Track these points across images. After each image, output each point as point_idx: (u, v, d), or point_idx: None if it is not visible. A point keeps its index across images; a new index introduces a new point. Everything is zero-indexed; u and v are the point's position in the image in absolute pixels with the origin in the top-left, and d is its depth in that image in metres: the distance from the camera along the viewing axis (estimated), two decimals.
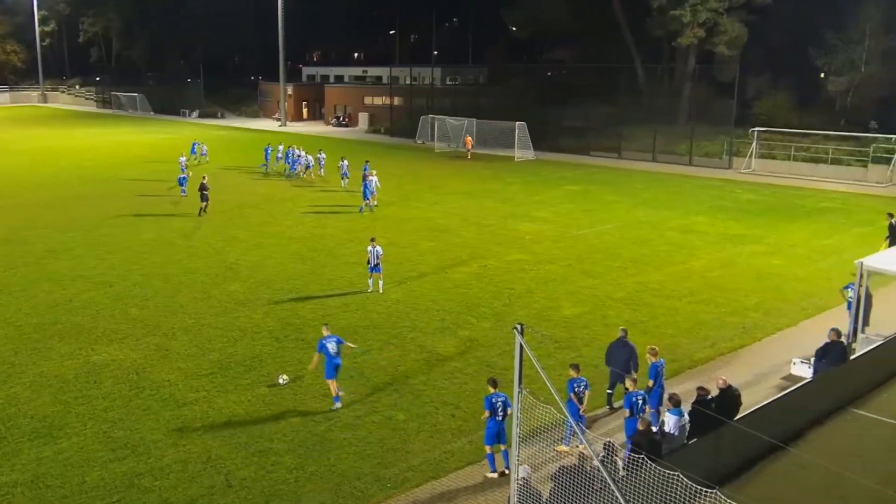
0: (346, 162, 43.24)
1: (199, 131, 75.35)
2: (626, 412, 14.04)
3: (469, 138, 58.03)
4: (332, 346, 16.14)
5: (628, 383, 14.38)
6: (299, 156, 47.40)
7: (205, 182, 35.17)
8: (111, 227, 33.10)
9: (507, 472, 13.53)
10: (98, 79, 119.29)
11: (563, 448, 14.36)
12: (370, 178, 36.95)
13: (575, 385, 14.29)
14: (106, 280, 25.19)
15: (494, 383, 13.86)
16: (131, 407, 16.22)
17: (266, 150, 49.52)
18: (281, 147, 50.15)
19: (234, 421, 15.59)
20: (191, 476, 13.65)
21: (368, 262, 23.57)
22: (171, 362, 18.57)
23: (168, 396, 16.71)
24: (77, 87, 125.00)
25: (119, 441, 14.82)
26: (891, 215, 27.54)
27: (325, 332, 16.47)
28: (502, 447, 13.71)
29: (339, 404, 16.18)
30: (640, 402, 14.04)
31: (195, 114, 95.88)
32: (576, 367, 14.65)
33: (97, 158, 55.81)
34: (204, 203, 34.84)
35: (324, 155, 46.73)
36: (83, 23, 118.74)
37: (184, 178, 39.80)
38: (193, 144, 54.28)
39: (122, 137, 71.40)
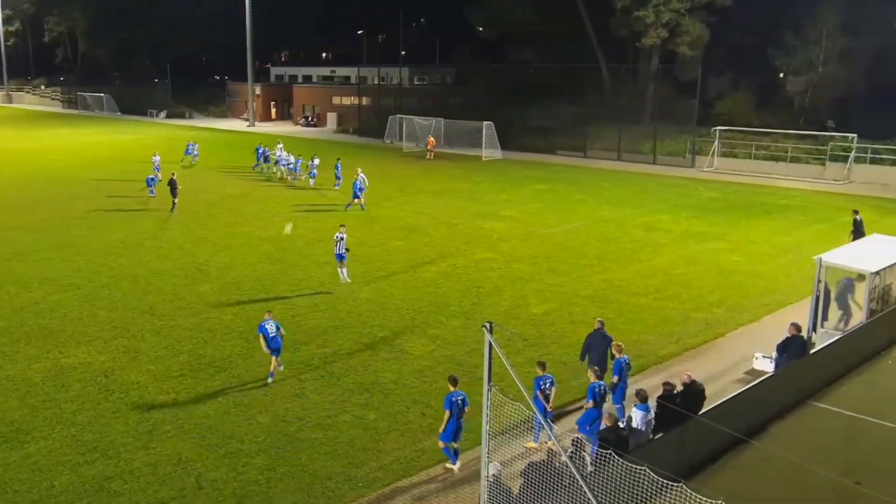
0: (316, 160, 43.86)
1: (167, 132, 74.57)
2: (590, 403, 14.30)
3: (431, 138, 57.94)
4: (270, 327, 17.33)
5: (590, 374, 14.66)
6: (286, 158, 47.24)
7: (174, 179, 35.94)
8: (78, 228, 32.69)
9: (451, 467, 13.90)
10: (62, 79, 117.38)
11: (532, 444, 14.57)
12: (359, 176, 37.06)
13: (541, 382, 14.48)
14: (73, 282, 24.91)
15: (454, 381, 14.04)
16: (100, 410, 16.09)
17: (257, 150, 49.55)
18: (280, 147, 49.66)
19: (204, 422, 15.54)
20: (161, 479, 13.60)
21: (336, 251, 24.04)
22: (140, 364, 18.44)
23: (137, 399, 16.60)
24: (42, 87, 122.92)
25: (88, 444, 14.70)
26: (856, 212, 28.58)
27: (267, 317, 17.63)
28: (454, 444, 13.92)
29: (270, 379, 17.41)
30: (603, 391, 14.35)
31: (163, 114, 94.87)
32: (542, 365, 14.84)
33: (63, 159, 54.93)
34: (174, 200, 35.56)
35: (317, 161, 45.67)
36: (48, 22, 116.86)
37: (152, 178, 39.40)
38: (188, 145, 53.23)
39: (89, 138, 70.31)
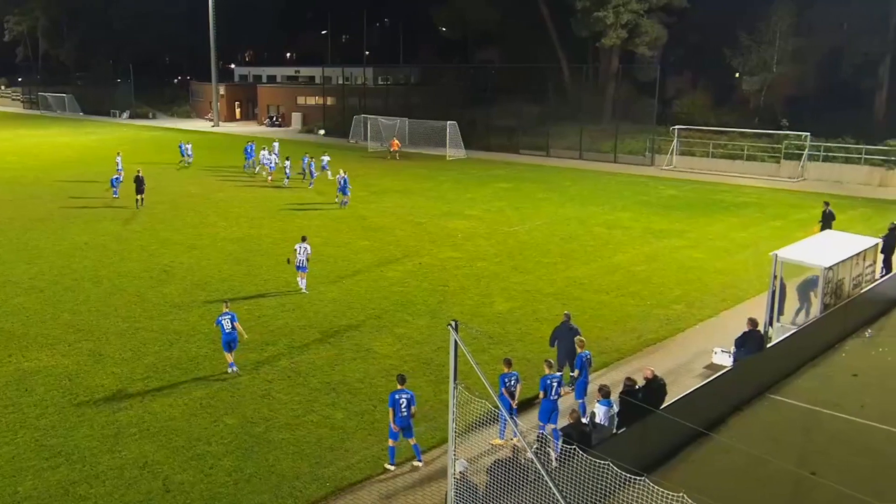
0: (289, 162, 44.07)
1: (131, 132, 73.53)
2: (541, 394, 14.68)
3: (396, 141, 57.60)
4: (226, 323, 17.59)
5: (544, 367, 14.98)
6: (267, 157, 46.74)
7: (140, 175, 36.38)
8: (40, 230, 32.15)
9: (418, 464, 14.11)
10: (20, 79, 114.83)
11: (498, 441, 14.80)
12: (341, 175, 37.73)
13: (507, 380, 14.70)
14: (36, 285, 24.56)
15: (402, 380, 14.25)
16: (65, 414, 15.94)
17: (247, 148, 49.23)
18: (276, 146, 49.08)
19: (170, 425, 15.49)
20: (127, 482, 13.52)
21: (289, 261, 23.90)
22: (104, 367, 18.28)
23: (102, 402, 16.47)
24: (2, 87, 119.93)
25: (52, 449, 14.56)
26: (826, 203, 29.69)
27: (225, 308, 18.01)
28: (410, 441, 14.09)
29: (234, 369, 17.84)
30: (556, 384, 14.71)
31: (126, 114, 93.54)
32: (507, 363, 15.07)
33: (25, 160, 53.72)
34: (139, 196, 35.97)
35: (327, 157, 46.09)
36: (8, 21, 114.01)
37: (116, 178, 38.89)
38: (181, 146, 52.01)
39: (51, 139, 68.90)
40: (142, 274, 25.95)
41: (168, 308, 22.45)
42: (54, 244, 29.83)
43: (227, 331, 17.65)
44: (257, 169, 47.31)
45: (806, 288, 20.18)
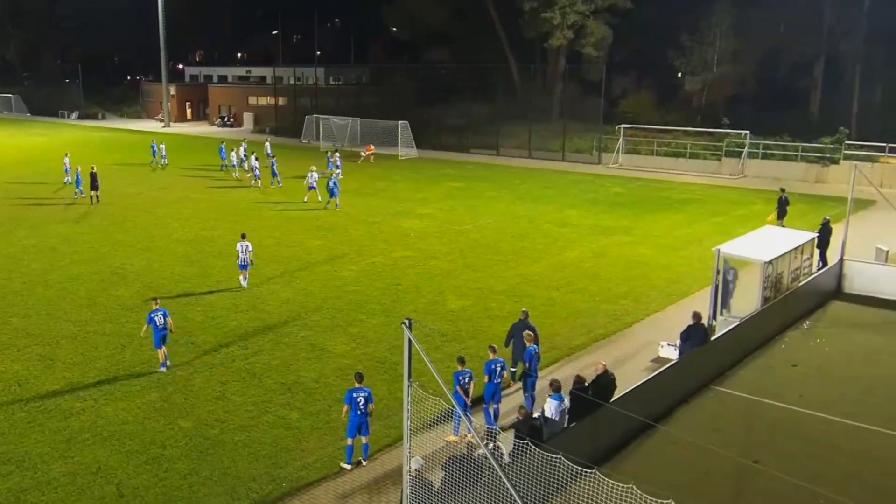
0: (256, 161, 44.05)
1: (80, 133, 71.82)
2: (486, 378, 15.13)
3: (371, 145, 56.30)
4: (159, 319, 17.80)
5: (489, 352, 15.50)
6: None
7: (94, 172, 37.01)
8: None
9: (363, 462, 14.25)
10: None
11: (452, 438, 15.04)
12: (311, 173, 38.08)
13: (461, 377, 14.93)
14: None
15: (360, 378, 14.35)
16: (15, 420, 15.66)
17: (221, 149, 48.79)
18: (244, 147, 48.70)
19: (124, 429, 15.34)
20: (80, 488, 13.38)
21: (238, 262, 23.85)
22: (55, 372, 18.00)
23: (54, 407, 16.22)
24: None
25: (2, 456, 14.31)
26: (782, 190, 31.87)
27: (155, 306, 18.16)
28: (363, 439, 14.24)
29: (163, 369, 17.99)
30: (499, 368, 15.23)
31: (74, 115, 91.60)
32: (461, 360, 15.31)
33: None
34: (94, 192, 36.61)
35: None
36: None
37: (78, 179, 38.38)
38: (153, 146, 50.85)
39: None
40: (93, 276, 25.55)
41: (120, 311, 22.16)
42: (2, 247, 29.14)
43: (159, 327, 17.81)
44: (236, 174, 46.47)
45: (726, 280, 20.87)
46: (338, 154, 47.55)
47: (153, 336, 17.90)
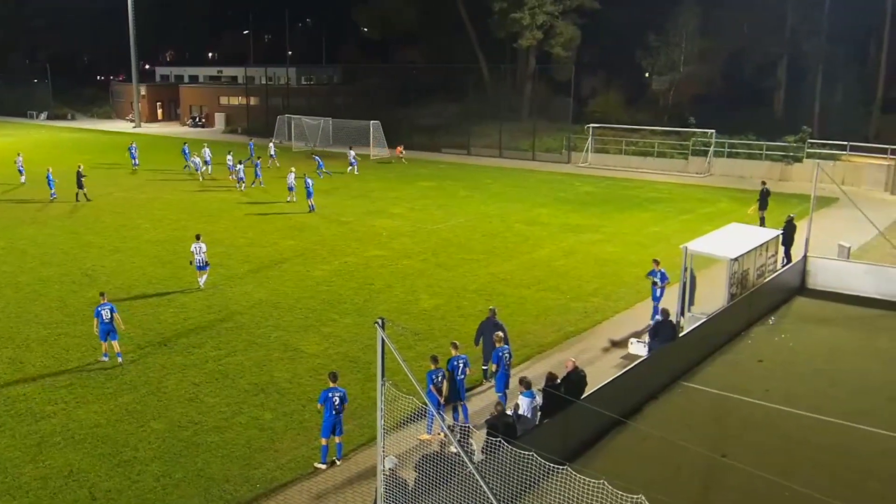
0: (231, 157, 44.41)
1: (49, 134, 70.64)
2: (447, 373, 15.38)
3: (400, 147, 55.05)
4: (105, 313, 18.17)
5: (451, 349, 15.77)
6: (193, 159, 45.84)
7: (80, 170, 37.47)
8: None
9: (337, 462, 14.31)
10: None
11: (426, 436, 15.16)
12: (291, 174, 37.92)
13: (434, 376, 15.05)
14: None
15: (334, 377, 14.41)
16: None
17: (184, 149, 48.23)
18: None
19: (95, 432, 15.23)
20: (52, 492, 13.28)
21: (192, 262, 23.75)
22: (25, 375, 17.80)
23: (24, 411, 16.05)
24: None
25: None
26: (763, 182, 33.22)
27: (102, 300, 18.46)
28: (337, 439, 14.33)
29: (105, 359, 18.44)
30: (462, 365, 15.51)
31: (43, 115, 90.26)
32: (434, 359, 15.45)
33: None
34: (81, 190, 37.00)
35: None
36: None
37: (50, 179, 38.03)
38: (131, 148, 49.73)
39: None
40: (63, 278, 25.27)
41: (91, 313, 21.66)
42: None
43: (105, 321, 18.15)
44: (201, 178, 45.54)
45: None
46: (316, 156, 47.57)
47: (99, 329, 18.29)
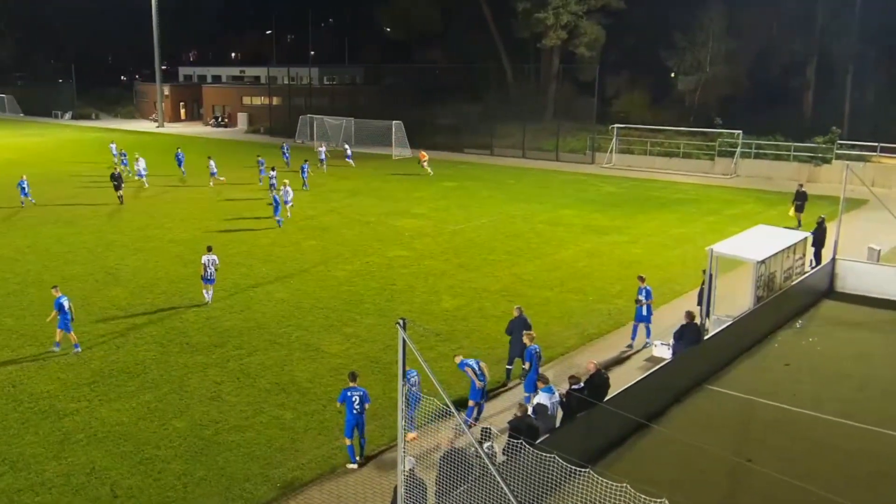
0: (213, 162, 43.53)
1: (74, 133, 71.44)
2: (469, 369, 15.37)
3: (423, 152, 51.48)
4: (66, 303, 18.80)
5: (456, 359, 15.77)
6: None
7: (117, 172, 37.99)
8: None
9: (358, 460, 14.26)
10: None
11: (412, 435, 14.91)
12: (285, 188, 34.52)
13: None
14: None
15: (353, 377, 14.42)
16: (9, 421, 15.63)
17: (178, 155, 47.16)
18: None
19: (118, 430, 15.32)
20: (74, 489, 13.37)
21: (203, 276, 22.55)
22: (49, 372, 17.95)
23: (48, 408, 16.19)
24: None
25: None
26: (800, 185, 33.03)
27: (57, 294, 19.04)
28: (358, 439, 14.30)
29: (56, 349, 18.88)
30: (477, 365, 15.43)
31: (68, 115, 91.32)
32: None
33: None
34: (119, 192, 37.22)
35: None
36: None
37: (22, 182, 37.10)
38: (123, 155, 48.83)
39: None
40: (87, 277, 25.51)
41: (114, 311, 22.13)
42: None
43: (66, 311, 18.71)
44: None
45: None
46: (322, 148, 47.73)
47: (59, 319, 18.78)
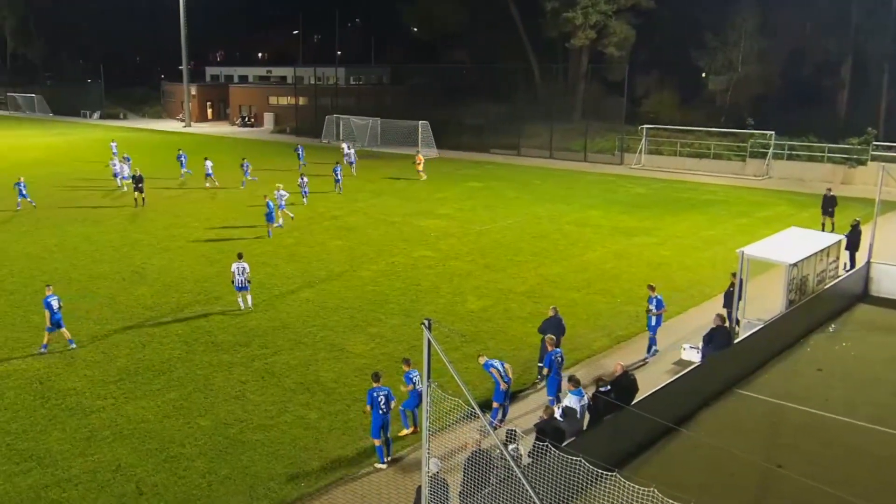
0: (209, 163, 42.72)
1: (102, 133, 72.32)
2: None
3: (420, 155, 49.99)
4: (54, 303, 18.87)
5: (481, 359, 15.71)
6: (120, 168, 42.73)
7: (138, 174, 37.45)
8: (9, 232, 31.78)
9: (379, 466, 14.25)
10: None
11: (405, 431, 15.23)
12: (280, 192, 33.26)
13: (492, 365, 15.17)
14: (6, 287, 24.25)
15: (377, 377, 14.40)
16: (36, 417, 15.79)
17: (179, 157, 46.00)
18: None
19: (143, 427, 15.42)
20: (100, 486, 13.45)
21: (233, 282, 22.06)
22: (76, 370, 18.12)
23: (74, 405, 16.33)
24: None
25: (24, 453, 14.44)
26: (829, 189, 32.13)
27: (49, 292, 19.09)
28: (385, 439, 14.27)
29: (45, 350, 18.94)
30: (501, 367, 15.37)
31: (96, 115, 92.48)
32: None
33: None
34: (139, 195, 36.88)
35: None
36: None
37: (19, 183, 36.36)
38: (180, 156, 46.88)
39: (19, 140, 67.69)
40: (113, 276, 25.73)
41: (141, 310, 22.30)
42: (24, 246, 29.44)
43: (54, 310, 18.80)
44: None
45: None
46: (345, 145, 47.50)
47: (51, 319, 18.78)
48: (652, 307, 19.00)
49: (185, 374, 17.86)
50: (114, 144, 52.56)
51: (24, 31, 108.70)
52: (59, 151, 58.58)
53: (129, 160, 44.97)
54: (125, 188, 41.21)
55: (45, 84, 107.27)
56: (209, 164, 42.48)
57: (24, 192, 36.25)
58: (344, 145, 48.95)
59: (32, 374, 17.85)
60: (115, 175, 42.45)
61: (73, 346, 19.16)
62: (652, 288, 19.37)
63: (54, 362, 18.55)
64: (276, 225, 31.73)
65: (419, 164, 46.91)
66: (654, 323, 19.04)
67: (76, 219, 34.54)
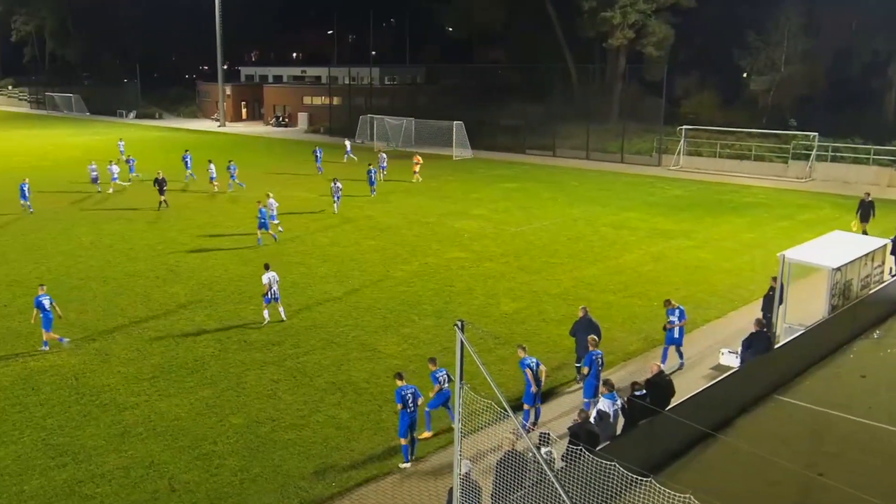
0: (213, 165, 41.76)
1: (137, 132, 73.58)
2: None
3: (417, 155, 49.06)
4: (46, 302, 18.95)
5: (519, 352, 15.67)
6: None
7: (161, 177, 36.70)
8: (46, 230, 32.28)
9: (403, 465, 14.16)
10: (35, 78, 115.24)
11: (427, 434, 15.06)
12: (269, 200, 31.18)
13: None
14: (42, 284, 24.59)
15: (401, 377, 14.42)
16: (71, 413, 16.00)
17: (185, 157, 44.93)
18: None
19: (176, 425, 15.52)
20: (133, 482, 13.56)
21: (266, 294, 20.94)
22: (111, 367, 18.34)
23: (109, 401, 16.51)
24: (10, 87, 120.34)
25: (58, 448, 14.62)
26: (867, 194, 30.76)
27: (41, 291, 19.23)
28: (413, 437, 14.22)
29: (46, 348, 19.11)
30: (536, 368, 15.29)
31: (132, 114, 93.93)
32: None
33: (30, 161, 53.58)
34: (163, 197, 36.49)
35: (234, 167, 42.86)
36: (15, 21, 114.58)
37: (23, 185, 35.68)
38: (131, 161, 46.67)
39: (57, 139, 69.06)
40: (148, 273, 26.03)
41: (175, 307, 22.51)
42: (60, 244, 29.97)
43: (46, 309, 18.92)
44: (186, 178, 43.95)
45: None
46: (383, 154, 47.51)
47: (42, 319, 18.95)
48: (674, 318, 18.23)
49: (217, 373, 17.95)
50: (121, 143, 53.05)
51: (63, 32, 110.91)
52: (96, 150, 59.45)
53: (133, 161, 45.35)
54: (112, 189, 41.07)
55: (82, 84, 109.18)
56: (213, 167, 41.48)
57: (26, 194, 35.44)
58: (382, 155, 48.12)
59: (68, 371, 18.10)
60: (94, 180, 41.28)
61: (47, 348, 19.19)
62: (669, 302, 18.63)
63: (89, 359, 18.80)
64: (269, 233, 30.16)
65: (417, 164, 46.22)
66: (676, 335, 18.30)
67: (112, 217, 35.08)
